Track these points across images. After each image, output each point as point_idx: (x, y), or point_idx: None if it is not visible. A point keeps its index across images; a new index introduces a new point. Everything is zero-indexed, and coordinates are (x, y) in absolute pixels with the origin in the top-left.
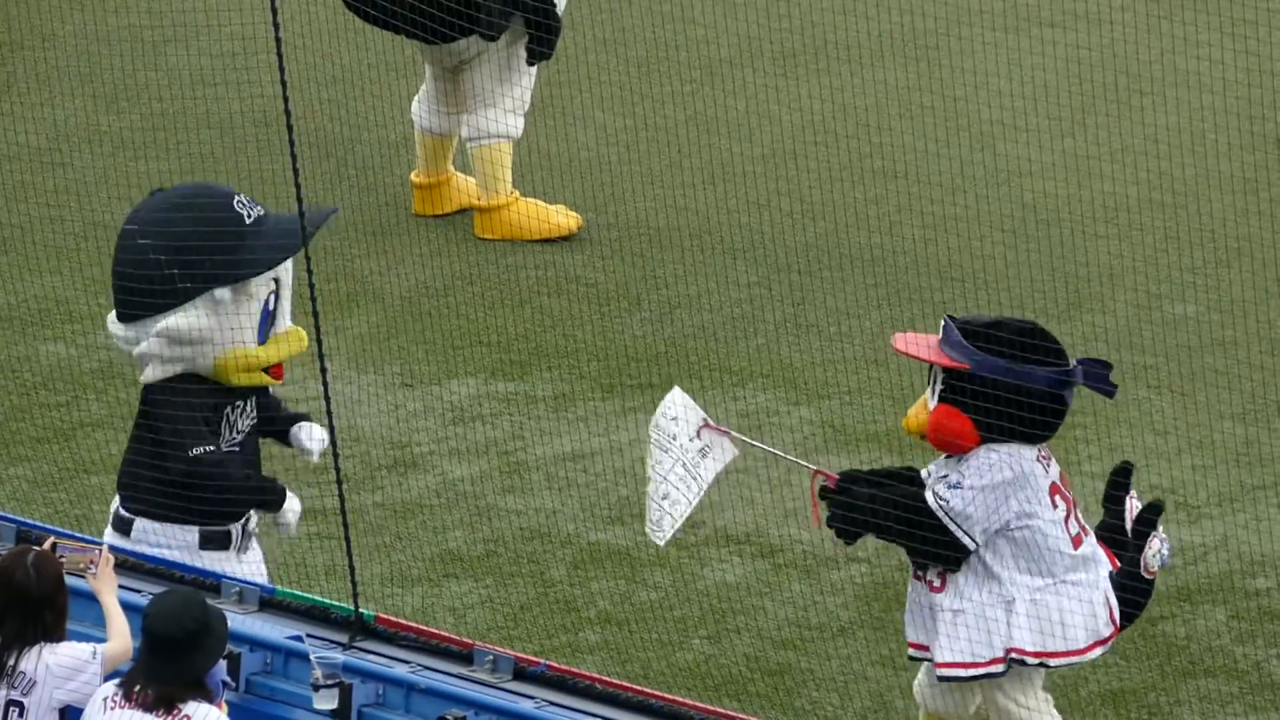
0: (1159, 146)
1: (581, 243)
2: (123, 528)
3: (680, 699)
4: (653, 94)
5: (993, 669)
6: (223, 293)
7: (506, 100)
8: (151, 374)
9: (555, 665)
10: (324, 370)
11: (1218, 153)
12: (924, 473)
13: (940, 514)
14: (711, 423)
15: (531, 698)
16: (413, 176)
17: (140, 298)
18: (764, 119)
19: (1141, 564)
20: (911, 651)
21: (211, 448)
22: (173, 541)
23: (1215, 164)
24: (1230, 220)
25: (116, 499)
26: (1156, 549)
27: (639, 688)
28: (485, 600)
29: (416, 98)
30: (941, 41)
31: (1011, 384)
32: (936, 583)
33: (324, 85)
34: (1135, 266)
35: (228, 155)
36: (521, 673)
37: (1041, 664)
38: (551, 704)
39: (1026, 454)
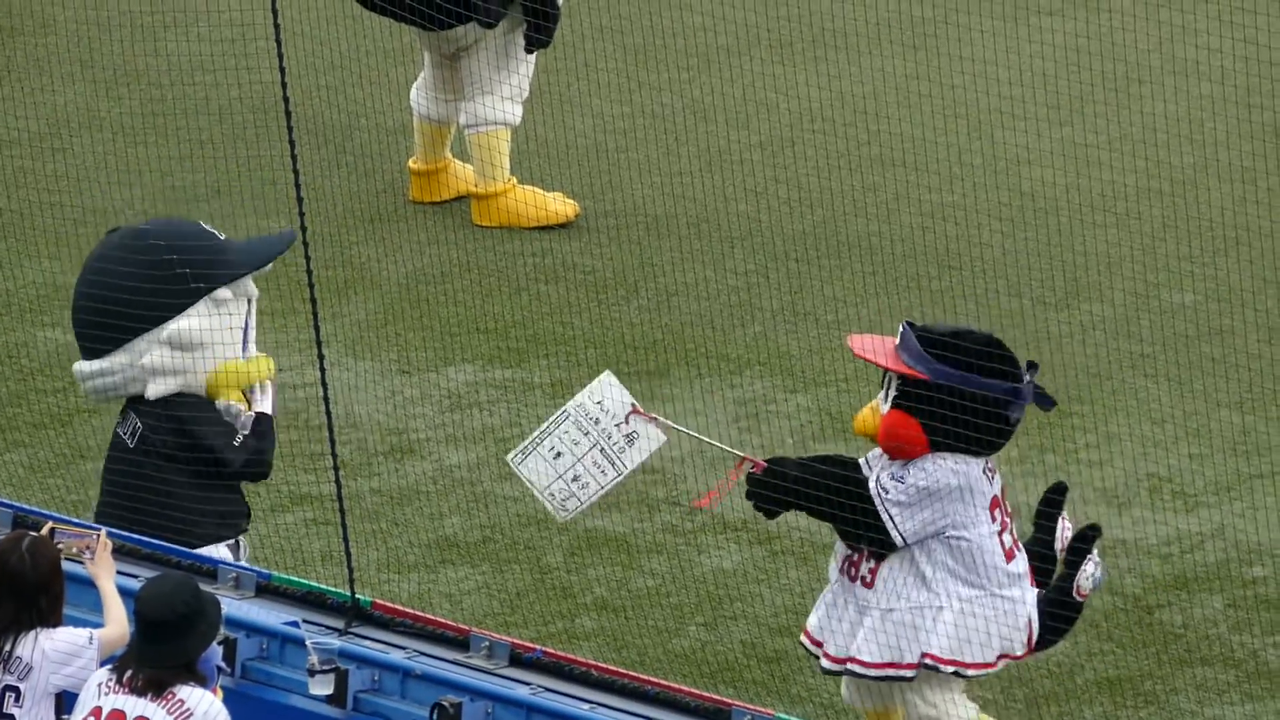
0: (1157, 135)
1: (579, 230)
2: None
3: (676, 685)
4: (650, 81)
5: (905, 673)
6: (224, 293)
7: (504, 87)
8: (156, 389)
9: (551, 651)
10: (321, 357)
11: (1216, 141)
12: (862, 460)
13: (877, 501)
14: (640, 408)
15: (527, 684)
16: (410, 163)
17: (134, 310)
18: (761, 107)
19: (1074, 586)
20: (804, 641)
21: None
22: None
23: (1213, 153)
24: (1228, 209)
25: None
26: (1090, 572)
27: (635, 674)
28: (482, 586)
29: (415, 85)
30: (939, 29)
31: (965, 396)
32: (868, 578)
33: (322, 72)
34: (1133, 255)
35: (226, 141)
36: (518, 659)
37: (956, 673)
38: (547, 690)
39: (974, 465)
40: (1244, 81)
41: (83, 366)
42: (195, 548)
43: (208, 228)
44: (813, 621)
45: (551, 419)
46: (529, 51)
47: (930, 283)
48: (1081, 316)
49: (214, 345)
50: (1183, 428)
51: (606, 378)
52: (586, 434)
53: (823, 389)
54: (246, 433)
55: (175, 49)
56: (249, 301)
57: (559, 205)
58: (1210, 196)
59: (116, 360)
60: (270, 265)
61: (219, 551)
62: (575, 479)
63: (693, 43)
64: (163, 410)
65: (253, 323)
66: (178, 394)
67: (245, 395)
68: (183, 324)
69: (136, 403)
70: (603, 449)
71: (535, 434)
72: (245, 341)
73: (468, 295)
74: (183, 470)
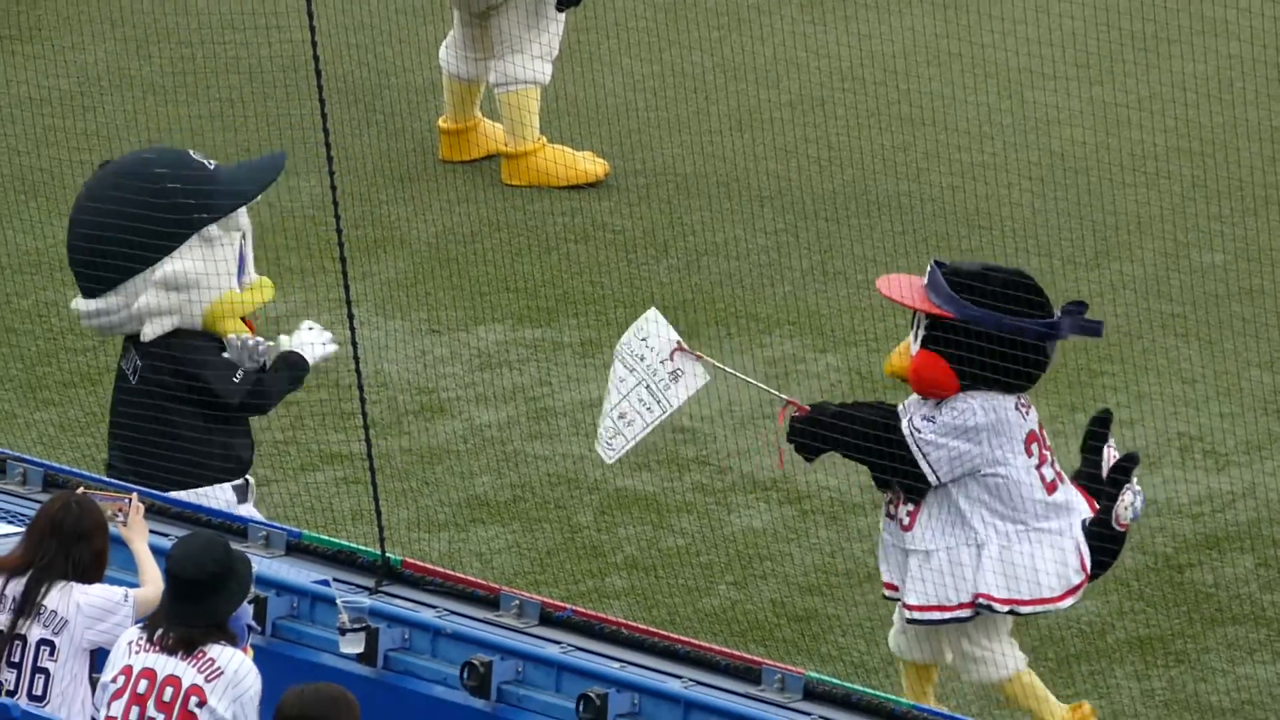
0: (1187, 94)
1: (608, 189)
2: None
3: (706, 644)
4: (680, 40)
5: (960, 614)
6: (214, 230)
7: (535, 46)
8: (152, 330)
9: (581, 610)
10: (351, 316)
11: (1245, 101)
12: (900, 407)
13: (910, 441)
14: (685, 346)
15: (558, 643)
16: (440, 122)
17: (126, 251)
18: (792, 65)
19: (1113, 515)
20: (886, 592)
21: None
22: (214, 505)
23: (1243, 112)
24: (1258, 168)
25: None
26: (1129, 501)
27: (665, 633)
28: (512, 545)
29: (444, 43)
30: None
31: (994, 333)
32: (906, 521)
33: (352, 31)
34: (1163, 215)
35: (255, 100)
36: (548, 618)
37: (1011, 611)
38: (577, 649)
39: (1005, 402)
40: (1274, 41)
41: (80, 305)
42: (197, 486)
43: (197, 156)
44: (883, 571)
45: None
46: (560, 10)
47: (960, 242)
48: (1112, 276)
49: (207, 280)
50: (1213, 387)
51: (652, 314)
52: (632, 370)
53: (852, 348)
54: (259, 361)
55: (205, 7)
56: (243, 232)
57: (589, 164)
58: (1240, 156)
59: (112, 300)
60: (260, 196)
61: (224, 491)
62: (621, 416)
63: (723, 1)
64: (161, 348)
65: (249, 251)
66: (174, 332)
67: (250, 324)
68: (173, 265)
69: (135, 340)
70: (649, 386)
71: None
72: (242, 270)
73: (497, 254)
74: (183, 408)
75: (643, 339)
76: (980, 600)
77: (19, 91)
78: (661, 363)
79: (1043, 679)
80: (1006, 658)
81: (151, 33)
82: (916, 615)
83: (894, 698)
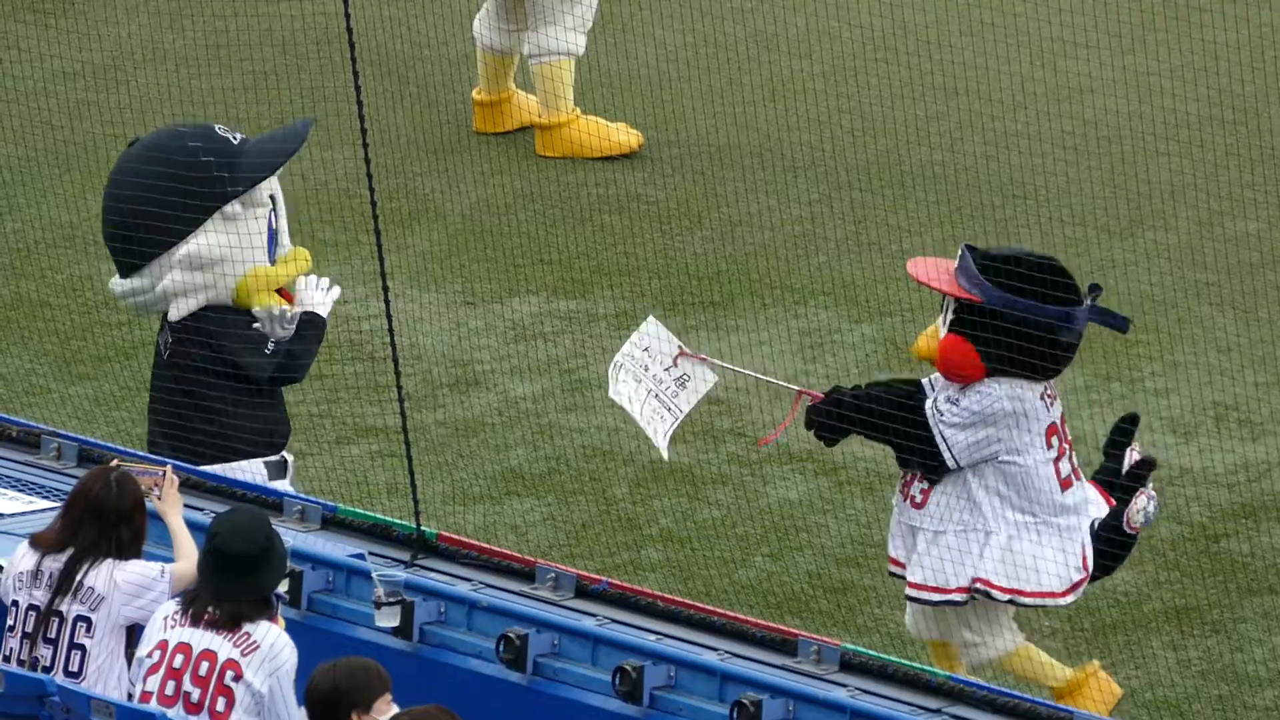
0: (1219, 63)
1: (642, 160)
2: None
3: (742, 616)
4: (713, 10)
5: (955, 597)
6: (234, 207)
7: (568, 18)
8: (179, 310)
9: (617, 583)
10: (385, 289)
11: (1278, 69)
12: (925, 381)
13: (932, 422)
14: (687, 350)
15: (593, 615)
16: (474, 94)
17: (150, 234)
18: (824, 35)
19: (1125, 518)
20: (891, 568)
21: (271, 340)
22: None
23: (1276, 80)
24: None
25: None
26: (1142, 505)
27: (701, 605)
28: (547, 518)
29: (478, 15)
30: None
31: (1022, 319)
32: (919, 499)
33: (386, 3)
34: (1196, 183)
35: (289, 73)
36: (583, 590)
37: (1012, 601)
38: (613, 621)
39: (1031, 390)
40: None
41: (115, 285)
42: (230, 461)
43: (221, 131)
44: (891, 546)
45: (610, 369)
46: None
47: (994, 211)
48: (1146, 245)
49: (234, 255)
50: (1249, 356)
51: (648, 324)
52: (640, 381)
53: (887, 319)
54: (291, 329)
55: None
56: (270, 205)
57: (623, 135)
58: (1273, 124)
59: (141, 281)
60: (280, 168)
61: (258, 467)
62: (648, 424)
63: None
64: (189, 325)
65: (281, 222)
66: (204, 307)
67: (286, 293)
68: (193, 246)
69: (167, 317)
70: (657, 395)
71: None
72: (273, 242)
73: (532, 226)
74: (214, 383)
75: (644, 349)
76: (979, 586)
77: (53, 65)
78: (666, 370)
79: (1078, 649)
80: (1004, 641)
81: (185, 5)
82: (914, 594)
83: (930, 668)
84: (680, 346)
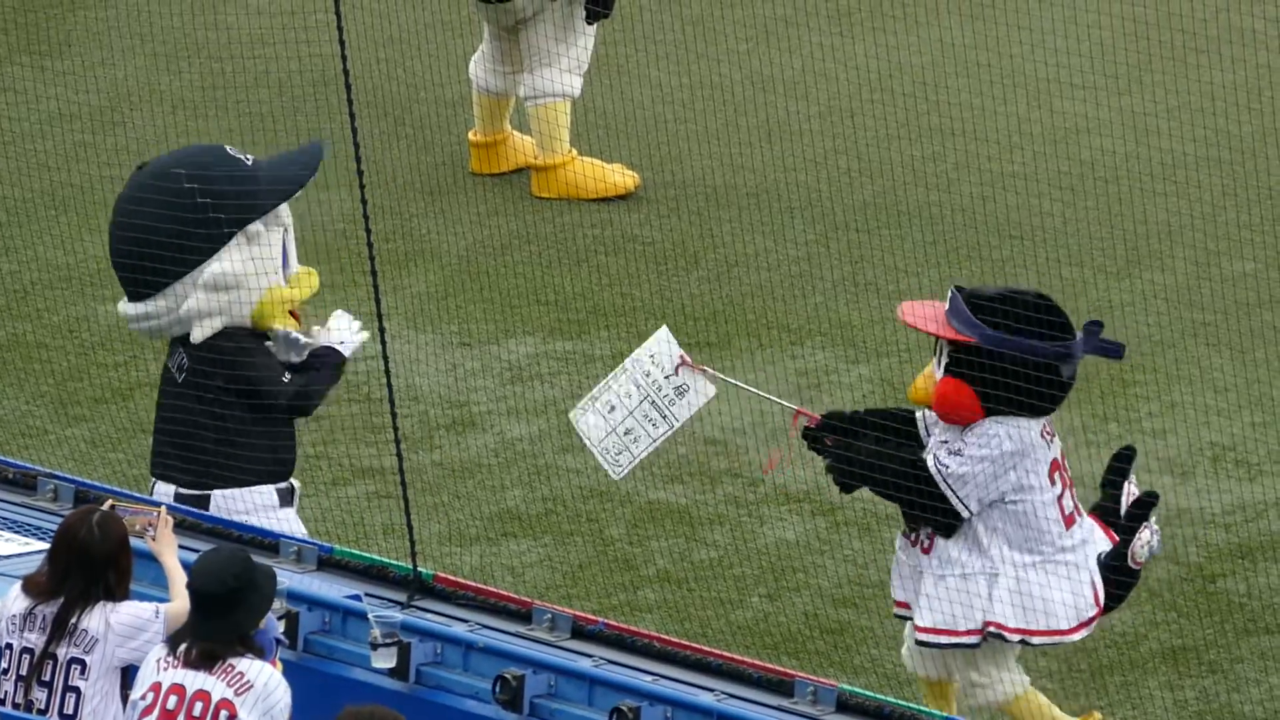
0: (1216, 104)
1: (639, 201)
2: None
3: (739, 657)
4: (709, 53)
5: (967, 640)
6: (256, 227)
7: (564, 60)
8: (202, 331)
9: (613, 624)
10: (382, 329)
11: (1275, 110)
12: (919, 414)
13: (939, 479)
14: (689, 360)
15: (590, 656)
16: (470, 135)
17: (171, 255)
18: (820, 77)
19: (1129, 553)
20: (896, 610)
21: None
22: (254, 506)
23: (1273, 121)
24: None
25: (158, 484)
26: (1146, 540)
27: (697, 646)
28: (543, 559)
29: (474, 57)
30: None
31: (1017, 357)
32: (926, 544)
33: (382, 44)
34: (1193, 224)
35: (285, 115)
36: (580, 631)
37: (1023, 641)
38: (610, 662)
39: (1031, 427)
40: None
41: (126, 309)
42: (243, 485)
43: (232, 152)
44: (895, 588)
45: (611, 374)
46: (589, 23)
47: (991, 252)
48: (1143, 285)
49: (253, 279)
50: (1245, 396)
51: (662, 333)
52: (638, 386)
53: (884, 359)
54: (303, 355)
55: (235, 22)
56: (285, 226)
57: (619, 177)
58: (1270, 165)
59: (158, 304)
60: (306, 183)
61: (268, 493)
62: (628, 433)
63: (751, 13)
64: (210, 349)
65: (290, 243)
66: (221, 331)
67: (297, 315)
68: (218, 266)
69: (183, 340)
70: (654, 401)
71: (596, 389)
72: (285, 263)
73: (528, 267)
74: (230, 407)
75: (650, 355)
76: (991, 629)
77: (49, 107)
78: (666, 378)
79: (1075, 690)
80: (1011, 683)
81: (181, 47)
82: (925, 637)
83: (927, 710)
84: (683, 355)
